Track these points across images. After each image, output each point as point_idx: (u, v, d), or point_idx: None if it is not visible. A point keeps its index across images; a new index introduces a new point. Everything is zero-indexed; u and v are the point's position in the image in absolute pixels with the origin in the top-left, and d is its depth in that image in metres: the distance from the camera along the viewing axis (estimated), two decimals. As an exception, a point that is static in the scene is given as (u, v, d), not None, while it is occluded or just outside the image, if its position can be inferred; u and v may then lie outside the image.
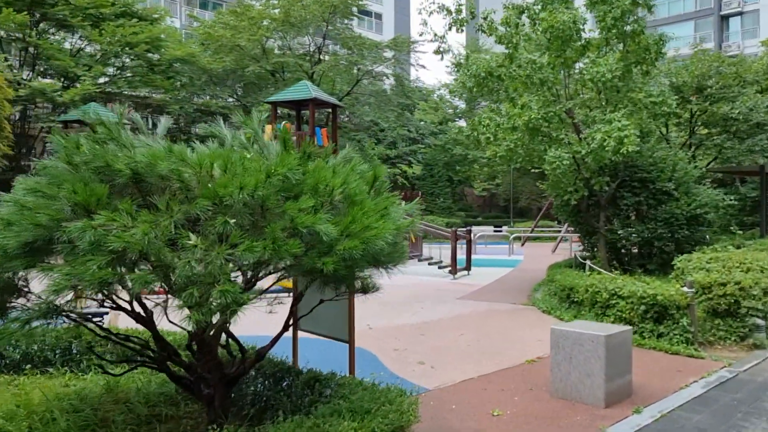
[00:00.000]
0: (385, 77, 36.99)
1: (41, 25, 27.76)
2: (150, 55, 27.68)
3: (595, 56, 11.05)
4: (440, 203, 36.83)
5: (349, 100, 35.17)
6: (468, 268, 15.80)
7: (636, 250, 12.78)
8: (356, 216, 3.29)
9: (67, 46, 28.18)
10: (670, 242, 12.00)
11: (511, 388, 6.07)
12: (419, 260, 16.05)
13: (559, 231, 24.28)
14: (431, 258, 16.39)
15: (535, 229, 28.29)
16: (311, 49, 33.11)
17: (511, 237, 23.60)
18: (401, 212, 3.87)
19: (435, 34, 12.16)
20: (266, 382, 4.74)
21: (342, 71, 32.97)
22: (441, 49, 12.32)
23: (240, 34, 28.85)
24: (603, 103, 11.55)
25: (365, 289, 4.19)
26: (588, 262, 11.15)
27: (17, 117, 24.98)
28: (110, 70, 27.50)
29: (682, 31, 41.68)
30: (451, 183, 42.25)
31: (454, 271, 14.87)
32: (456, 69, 12.29)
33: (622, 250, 12.79)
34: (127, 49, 26.64)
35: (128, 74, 29.48)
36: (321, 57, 32.22)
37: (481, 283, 14.06)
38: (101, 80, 27.11)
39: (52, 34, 28.16)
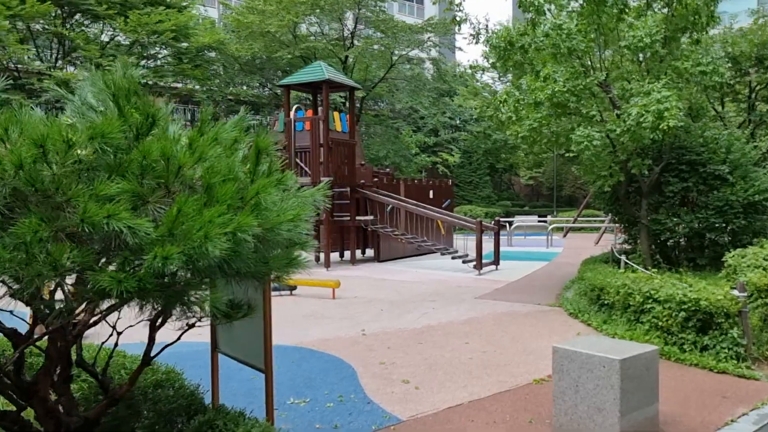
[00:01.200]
0: (423, 62, 35.63)
1: (76, 17, 27.70)
2: (177, 43, 27.17)
3: (633, 19, 9.56)
4: (479, 192, 35.29)
5: (386, 87, 34.00)
6: (496, 262, 14.48)
7: (684, 243, 11.26)
8: (186, 208, 2.17)
9: (93, 35, 28.01)
10: (724, 233, 10.45)
11: (505, 419, 4.87)
12: (442, 253, 14.82)
13: (604, 221, 22.54)
14: (456, 251, 15.13)
15: (579, 219, 26.53)
16: (344, 34, 32.07)
17: (549, 228, 22.03)
18: (296, 202, 2.71)
19: (450, 1, 10.87)
20: (156, 425, 3.65)
21: (377, 56, 31.82)
22: (458, 19, 11.01)
23: (269, 20, 28.04)
24: (644, 75, 10.04)
25: (228, 315, 3.04)
26: (623, 257, 9.73)
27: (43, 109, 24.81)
28: (133, 60, 27.02)
29: (740, 5, 38.58)
30: (494, 171, 40.62)
31: (479, 265, 13.58)
32: (474, 40, 10.97)
33: (668, 243, 11.28)
34: (154, 37, 26.21)
35: (157, 63, 29.20)
36: (354, 42, 31.12)
37: (508, 280, 12.75)
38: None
39: (85, 26, 28.06)
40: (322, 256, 14.67)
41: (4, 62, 23.85)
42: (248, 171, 2.64)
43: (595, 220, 26.48)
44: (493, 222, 15.32)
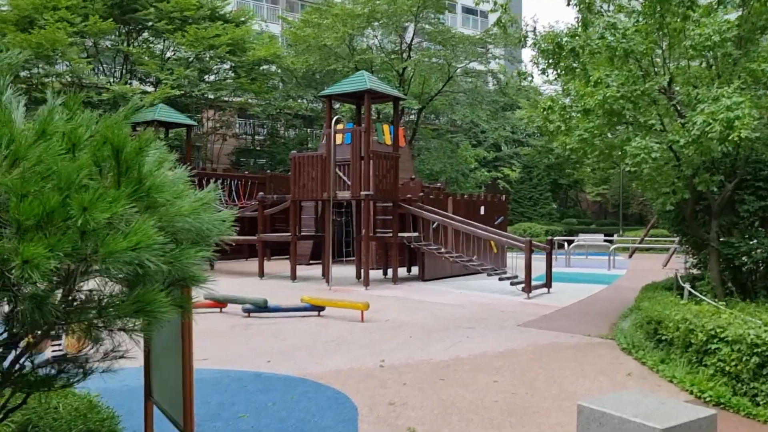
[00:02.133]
0: (485, 74, 34.66)
1: (144, 34, 28.47)
2: (233, 57, 27.39)
3: (700, 16, 8.44)
4: (540, 209, 33.81)
5: (445, 100, 33.21)
6: (548, 284, 13.37)
7: (762, 269, 9.88)
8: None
9: (157, 50, 28.66)
10: (810, 260, 9.06)
11: (520, 488, 3.97)
12: (489, 274, 13.82)
13: (674, 241, 20.84)
14: (504, 272, 14.09)
15: (646, 238, 24.78)
16: (402, 47, 31.59)
17: (612, 248, 20.53)
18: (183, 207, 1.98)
19: (495, 2, 10.02)
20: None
21: (435, 68, 31.14)
22: (502, 21, 10.14)
23: (326, 33, 27.89)
24: (714, 79, 8.87)
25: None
26: (687, 285, 8.53)
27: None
28: (190, 73, 27.40)
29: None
30: (557, 187, 39.00)
31: (527, 288, 12.53)
32: (521, 44, 10.07)
33: (742, 269, 9.93)
34: (211, 52, 26.52)
35: (217, 77, 29.62)
36: (411, 54, 30.56)
37: (558, 305, 11.65)
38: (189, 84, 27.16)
39: (150, 43, 28.78)
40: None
41: (67, 76, 24.58)
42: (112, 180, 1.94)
43: (664, 240, 24.68)
44: (547, 241, 14.19)
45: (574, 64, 9.66)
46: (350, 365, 7.02)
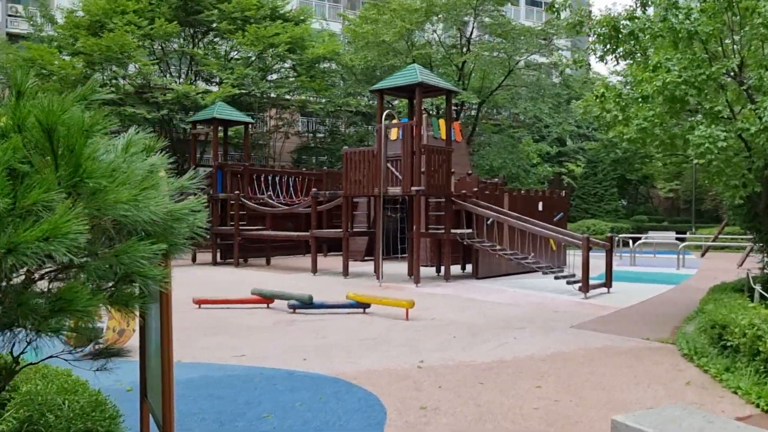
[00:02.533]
0: (548, 67, 33.64)
1: (208, 36, 29.18)
2: (292, 55, 27.62)
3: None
4: (605, 206, 32.50)
5: (507, 94, 32.41)
6: (608, 284, 12.69)
7: None
8: None
9: (221, 51, 29.28)
10: None
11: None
12: (544, 272, 13.25)
13: (750, 239, 19.48)
14: (560, 270, 13.48)
15: (720, 236, 23.34)
16: (461, 41, 31.05)
17: (681, 246, 19.39)
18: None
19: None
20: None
21: (495, 62, 30.44)
22: (555, 6, 9.60)
23: (384, 29, 27.73)
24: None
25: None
26: (758, 286, 7.82)
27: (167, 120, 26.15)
28: (251, 72, 27.79)
29: None
30: (625, 183, 37.45)
31: (585, 287, 11.92)
32: (575, 29, 9.52)
33: (824, 270, 9.08)
34: (271, 50, 26.82)
35: (279, 76, 29.99)
36: (470, 48, 29.99)
37: (617, 306, 11.00)
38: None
39: (214, 44, 29.44)
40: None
41: (137, 78, 25.42)
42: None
43: (741, 238, 23.15)
44: (607, 238, 13.46)
45: (634, 49, 9.05)
46: (387, 365, 6.77)
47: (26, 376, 3.93)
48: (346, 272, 14.88)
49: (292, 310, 9.99)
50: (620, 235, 24.23)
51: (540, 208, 16.88)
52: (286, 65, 30.05)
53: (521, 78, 32.79)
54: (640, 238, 22.88)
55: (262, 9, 27.59)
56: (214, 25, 27.48)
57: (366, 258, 19.43)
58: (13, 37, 32.03)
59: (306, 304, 9.83)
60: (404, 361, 6.96)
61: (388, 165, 13.77)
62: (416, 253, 13.52)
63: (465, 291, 12.82)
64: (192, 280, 14.75)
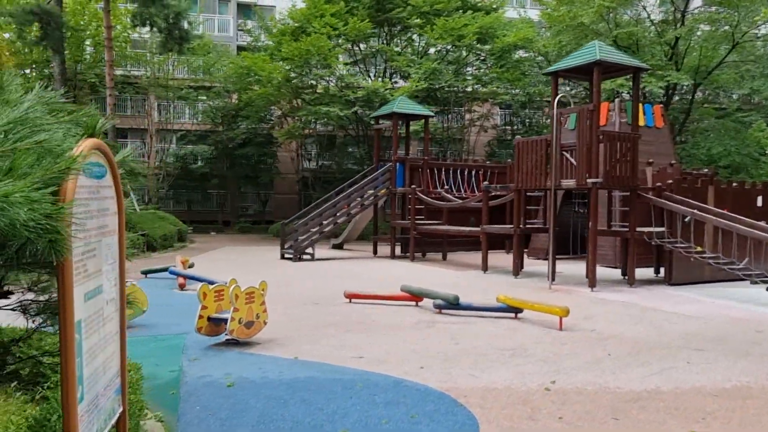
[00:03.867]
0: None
1: (403, 33, 29.79)
2: (481, 45, 26.85)
3: None
4: None
5: (732, 72, 28.04)
6: (843, 300, 10.04)
7: None
8: None
9: (413, 46, 29.59)
10: None
11: None
12: (753, 281, 10.90)
13: None
14: (774, 279, 11.00)
15: None
16: (675, 16, 27.50)
17: None
18: None
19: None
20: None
21: (720, 37, 26.45)
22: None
23: (581, 10, 25.63)
24: None
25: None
26: None
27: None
28: (436, 65, 27.53)
29: None
30: None
31: (806, 303, 9.53)
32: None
33: None
34: (458, 42, 26.37)
35: (470, 69, 29.48)
36: (683, 22, 26.41)
37: None
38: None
39: (406, 40, 29.92)
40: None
41: (326, 78, 26.75)
42: None
43: None
44: None
45: None
46: (510, 383, 5.89)
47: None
48: (516, 271, 13.87)
49: (437, 310, 9.42)
50: None
51: (759, 203, 14.10)
52: (473, 57, 29.36)
53: (753, 52, 28.08)
54: None
55: (453, 1, 27.23)
56: (407, 20, 27.80)
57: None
58: (241, 49, 35.79)
59: (452, 304, 9.20)
60: (533, 379, 6.01)
61: (565, 154, 12.47)
62: (592, 253, 12.04)
63: (648, 299, 11.08)
64: (362, 272, 14.92)
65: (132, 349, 7.10)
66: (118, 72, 32.97)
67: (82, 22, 32.59)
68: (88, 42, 33.69)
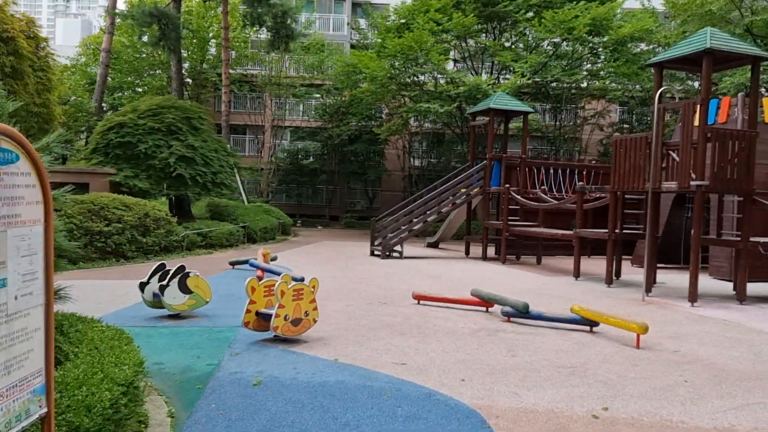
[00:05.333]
0: None
1: (505, 35, 28.83)
2: (592, 38, 25.29)
3: None
4: None
5: None
6: None
7: None
8: None
9: (522, 41, 28.49)
10: None
11: None
12: None
13: None
14: None
15: None
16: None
17: None
18: None
19: None
20: None
21: None
22: None
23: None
24: None
25: None
26: None
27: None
28: (541, 59, 26.25)
29: None
30: None
31: None
32: None
33: None
34: (568, 35, 25.00)
35: (587, 64, 27.95)
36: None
37: None
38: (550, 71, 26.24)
39: (515, 34, 28.90)
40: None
41: (428, 74, 26.37)
42: None
43: None
44: None
45: None
46: (555, 406, 5.27)
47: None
48: (609, 280, 12.80)
49: (506, 318, 8.82)
50: None
51: None
52: (592, 50, 27.74)
53: None
54: None
55: (562, -6, 25.94)
56: (516, 13, 26.81)
57: (659, 265, 16.57)
58: (354, 48, 36.38)
59: (521, 312, 8.57)
60: (583, 404, 5.35)
61: (671, 153, 11.30)
62: (694, 264, 10.79)
63: (756, 319, 9.74)
64: (444, 272, 14.46)
65: (181, 339, 7.26)
66: (238, 71, 34.66)
67: (205, 24, 34.60)
68: (211, 42, 35.75)
